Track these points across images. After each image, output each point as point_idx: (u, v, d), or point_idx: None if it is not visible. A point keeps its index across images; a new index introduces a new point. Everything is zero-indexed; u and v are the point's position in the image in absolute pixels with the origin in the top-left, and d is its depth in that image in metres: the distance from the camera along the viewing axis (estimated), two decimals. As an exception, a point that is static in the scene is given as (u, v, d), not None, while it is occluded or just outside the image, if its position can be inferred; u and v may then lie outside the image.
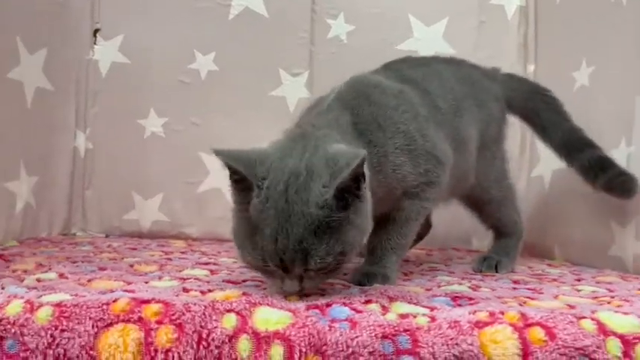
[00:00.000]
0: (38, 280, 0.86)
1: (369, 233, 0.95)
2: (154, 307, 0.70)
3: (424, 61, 1.27)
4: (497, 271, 1.19)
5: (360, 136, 0.92)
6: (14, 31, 1.39)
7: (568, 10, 1.58)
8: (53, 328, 0.66)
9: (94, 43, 1.66)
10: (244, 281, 0.92)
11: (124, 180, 1.65)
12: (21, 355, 0.65)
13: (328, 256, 0.77)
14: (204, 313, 0.70)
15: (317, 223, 0.76)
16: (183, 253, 1.32)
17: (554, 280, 1.11)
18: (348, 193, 0.78)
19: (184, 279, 0.93)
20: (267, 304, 0.74)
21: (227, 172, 0.83)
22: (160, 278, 0.93)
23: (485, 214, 1.30)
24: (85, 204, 1.67)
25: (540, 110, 1.34)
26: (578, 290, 0.98)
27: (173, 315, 0.69)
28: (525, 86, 1.39)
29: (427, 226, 1.41)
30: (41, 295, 0.73)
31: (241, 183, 0.81)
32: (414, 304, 0.80)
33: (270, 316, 0.71)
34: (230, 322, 0.69)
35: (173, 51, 1.66)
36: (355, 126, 0.93)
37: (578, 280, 1.11)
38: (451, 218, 1.52)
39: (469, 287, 0.97)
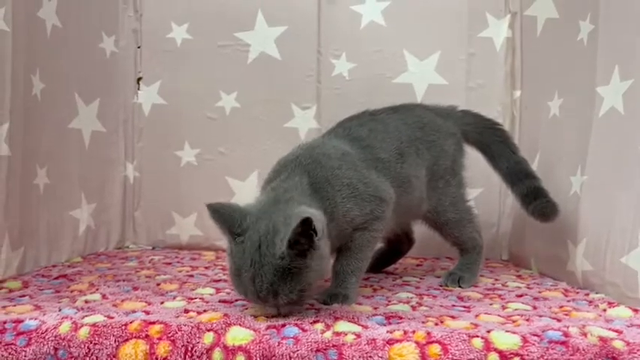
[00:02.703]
0: (86, 302, 1.18)
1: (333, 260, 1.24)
2: (157, 327, 1.00)
3: (375, 116, 1.45)
4: (460, 286, 1.41)
5: (315, 193, 1.18)
6: (72, 88, 1.73)
7: (545, 43, 1.72)
8: (89, 342, 0.97)
9: (138, 89, 1.99)
10: (236, 300, 1.21)
11: (166, 201, 1.99)
12: (69, 360, 0.98)
13: (292, 293, 1.04)
14: (191, 332, 0.99)
15: (281, 270, 1.03)
16: (206, 268, 1.63)
17: (499, 296, 1.33)
18: (302, 245, 1.03)
19: (192, 299, 1.23)
20: (239, 324, 1.02)
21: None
22: (174, 298, 1.23)
23: (444, 234, 1.50)
24: (135, 222, 2.02)
25: (491, 143, 1.55)
26: (505, 308, 1.20)
27: (169, 333, 0.99)
28: (479, 121, 1.58)
29: (409, 243, 1.65)
30: (84, 317, 1.04)
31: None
32: (354, 322, 1.06)
33: (238, 334, 0.99)
34: (209, 338, 0.98)
35: (202, 92, 1.96)
36: (312, 185, 1.18)
37: (520, 296, 1.32)
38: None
39: (412, 307, 1.21)
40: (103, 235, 1.90)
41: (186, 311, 1.11)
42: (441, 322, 1.08)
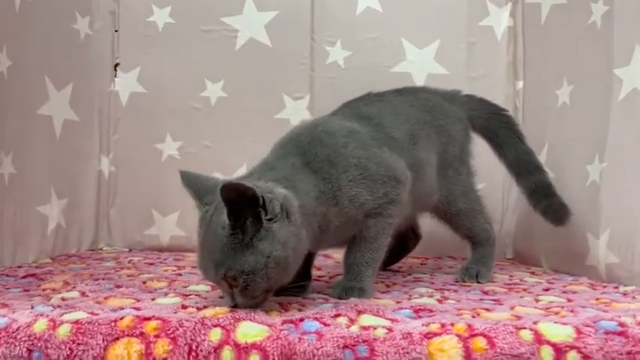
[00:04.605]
0: (63, 299, 1.02)
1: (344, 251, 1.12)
2: (154, 323, 0.84)
3: (381, 96, 1.35)
4: (478, 281, 1.30)
5: (313, 175, 1.04)
6: (43, 71, 1.57)
7: (551, 31, 1.66)
8: (71, 342, 0.81)
9: (115, 76, 1.83)
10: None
11: (145, 199, 1.82)
12: (46, 364, 0.81)
13: (230, 270, 0.91)
14: (194, 328, 0.84)
15: (223, 242, 0.91)
16: (194, 267, 1.47)
17: (525, 290, 1.22)
18: (247, 221, 0.91)
19: (187, 295, 1.07)
20: (250, 320, 0.87)
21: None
22: (166, 295, 1.07)
23: (455, 226, 1.39)
24: (110, 222, 1.84)
25: (498, 129, 1.45)
26: (538, 301, 1.09)
27: (169, 330, 0.83)
28: (485, 106, 1.49)
29: (415, 239, 1.53)
30: (63, 314, 0.88)
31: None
32: (380, 316, 0.92)
33: (250, 330, 0.84)
34: (216, 335, 0.83)
35: (185, 80, 1.81)
36: (308, 166, 1.05)
37: (547, 290, 1.21)
38: (446, 228, 1.64)
39: (437, 300, 1.09)
40: (74, 234, 1.71)
41: (184, 307, 0.96)
42: (477, 314, 0.96)
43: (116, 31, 1.83)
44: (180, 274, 1.35)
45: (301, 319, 0.88)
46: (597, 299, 1.09)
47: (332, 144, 1.10)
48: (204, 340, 0.83)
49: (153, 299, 1.03)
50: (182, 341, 0.82)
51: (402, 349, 0.82)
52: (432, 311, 0.97)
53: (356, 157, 1.10)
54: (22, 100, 1.47)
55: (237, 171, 1.79)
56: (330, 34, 1.82)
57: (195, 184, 1.02)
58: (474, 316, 0.94)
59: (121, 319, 0.85)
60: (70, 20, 1.69)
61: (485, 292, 1.18)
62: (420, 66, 1.79)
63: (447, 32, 1.81)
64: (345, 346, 0.82)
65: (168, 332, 0.83)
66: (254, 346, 0.82)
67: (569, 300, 1.10)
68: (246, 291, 0.92)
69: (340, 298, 1.06)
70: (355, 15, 1.82)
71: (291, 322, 0.88)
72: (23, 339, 0.81)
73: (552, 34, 1.66)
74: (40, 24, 1.52)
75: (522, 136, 1.47)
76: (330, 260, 1.57)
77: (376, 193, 1.10)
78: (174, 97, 1.82)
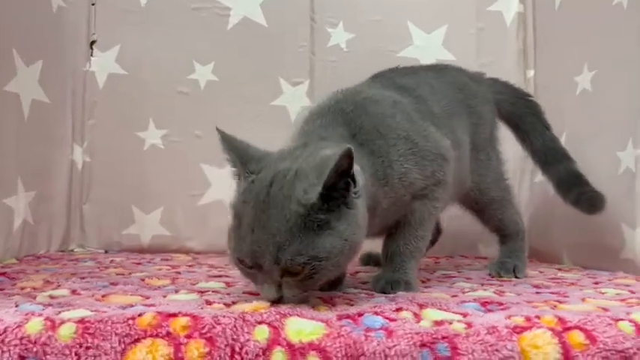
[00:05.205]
0: (51, 297, 0.82)
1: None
2: (182, 320, 0.67)
3: (412, 70, 1.26)
4: (516, 276, 1.17)
5: (361, 148, 0.89)
6: (10, 43, 1.36)
7: (568, 16, 1.58)
8: (78, 346, 0.63)
9: (91, 55, 1.63)
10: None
11: (123, 194, 1.61)
12: (44, 375, 0.62)
13: (300, 256, 0.74)
14: (234, 326, 0.67)
15: (294, 220, 0.74)
16: (190, 266, 1.28)
17: (573, 284, 1.10)
18: (334, 195, 0.76)
19: (202, 292, 0.89)
20: (298, 315, 0.71)
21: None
22: (176, 292, 0.89)
23: (486, 216, 1.28)
24: (83, 219, 1.62)
25: (524, 115, 1.36)
26: (602, 293, 0.97)
27: (203, 328, 0.66)
28: (510, 90, 1.40)
29: (437, 231, 1.40)
30: (60, 312, 0.69)
31: (236, 169, 0.83)
32: (445, 310, 0.78)
33: (304, 327, 0.68)
34: (262, 334, 0.66)
35: (171, 61, 1.64)
36: (355, 138, 0.91)
37: (597, 284, 1.10)
38: (457, 226, 1.52)
39: (494, 292, 0.95)
40: (43, 232, 1.49)
41: (209, 303, 0.78)
42: (554, 306, 0.83)
43: (93, 4, 1.63)
44: (179, 272, 1.16)
45: (359, 314, 0.73)
46: (662, 291, 0.98)
47: (378, 113, 0.96)
48: (248, 340, 0.66)
49: (164, 296, 0.85)
50: (222, 342, 0.65)
51: (490, 345, 0.68)
52: (501, 304, 0.83)
53: (404, 129, 0.95)
54: (-13, 73, 1.26)
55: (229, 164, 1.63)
56: (331, 14, 1.68)
57: (237, 148, 0.83)
58: (553, 308, 0.81)
59: (140, 315, 0.67)
60: (41, -11, 1.49)
61: (537, 286, 1.05)
62: (428, 51, 1.68)
63: (455, 17, 1.71)
64: (422, 344, 0.67)
65: (203, 331, 0.66)
66: (311, 346, 0.66)
67: (631, 292, 0.98)
68: (307, 281, 0.76)
69: (385, 293, 0.91)
70: (359, -5, 1.69)
71: (348, 317, 0.72)
72: (13, 343, 0.62)
73: (568, 19, 1.58)
74: (7, -10, 1.32)
75: (548, 123, 1.38)
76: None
77: (425, 171, 0.97)
78: (158, 80, 1.63)
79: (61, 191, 1.57)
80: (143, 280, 1.02)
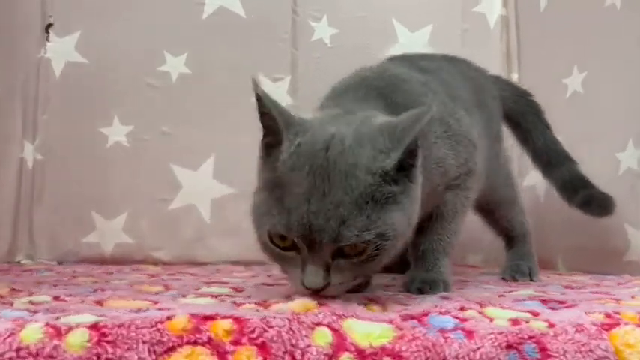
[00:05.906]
0: (32, 303, 0.65)
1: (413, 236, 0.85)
2: (224, 323, 0.53)
3: (427, 56, 1.20)
4: (532, 279, 1.10)
5: None
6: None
7: (554, 18, 1.57)
8: (95, 357, 0.48)
9: (46, 40, 1.45)
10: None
11: (82, 197, 1.43)
12: (49, 398, 0.46)
13: (367, 232, 0.64)
14: (290, 329, 0.54)
15: (362, 190, 0.65)
16: (171, 274, 1.12)
17: (597, 284, 1.03)
18: (404, 165, 0.68)
19: (215, 295, 0.75)
20: (354, 316, 0.59)
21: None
22: (184, 296, 0.74)
23: (495, 217, 1.22)
24: (33, 225, 1.42)
25: (526, 113, 1.31)
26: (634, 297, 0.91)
27: (252, 333, 0.53)
28: (512, 88, 1.37)
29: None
30: (58, 317, 0.53)
31: (272, 136, 0.71)
32: (507, 308, 0.68)
33: (372, 329, 0.56)
34: (324, 337, 0.54)
35: (140, 51, 1.49)
36: (391, 113, 0.80)
37: (619, 284, 1.04)
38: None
39: (534, 291, 0.86)
40: (-14, 240, 1.28)
41: (238, 304, 0.64)
42: (618, 302, 0.75)
43: (50, -19, 1.46)
44: (164, 280, 0.99)
45: (424, 314, 0.62)
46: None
47: (410, 91, 0.87)
48: (309, 345, 0.53)
49: (173, 299, 0.70)
50: (278, 348, 0.52)
51: (583, 345, 0.58)
52: (561, 302, 0.74)
53: (438, 110, 0.86)
54: None
55: (203, 164, 1.49)
56: (315, 7, 1.59)
57: (278, 108, 0.71)
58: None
59: (169, 319, 0.52)
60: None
61: (568, 286, 0.97)
62: (413, 50, 1.60)
63: (441, 16, 1.66)
64: (509, 346, 0.57)
65: (252, 336, 0.53)
66: (384, 350, 0.54)
67: (665, 290, 0.92)
68: (365, 265, 0.65)
69: (423, 293, 0.80)
70: (343, -12, 1.61)
71: (411, 317, 0.61)
72: (8, 355, 0.46)
73: (555, 22, 1.57)
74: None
75: (548, 124, 1.34)
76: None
77: (459, 157, 0.89)
78: (124, 71, 1.48)
79: (8, 194, 1.38)
80: (132, 285, 0.85)
